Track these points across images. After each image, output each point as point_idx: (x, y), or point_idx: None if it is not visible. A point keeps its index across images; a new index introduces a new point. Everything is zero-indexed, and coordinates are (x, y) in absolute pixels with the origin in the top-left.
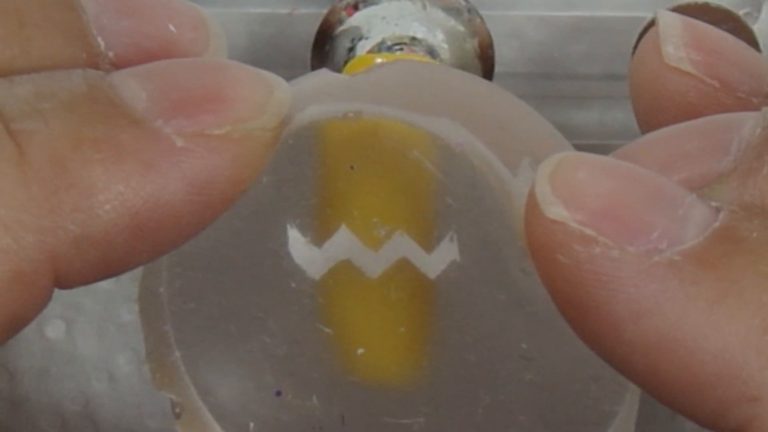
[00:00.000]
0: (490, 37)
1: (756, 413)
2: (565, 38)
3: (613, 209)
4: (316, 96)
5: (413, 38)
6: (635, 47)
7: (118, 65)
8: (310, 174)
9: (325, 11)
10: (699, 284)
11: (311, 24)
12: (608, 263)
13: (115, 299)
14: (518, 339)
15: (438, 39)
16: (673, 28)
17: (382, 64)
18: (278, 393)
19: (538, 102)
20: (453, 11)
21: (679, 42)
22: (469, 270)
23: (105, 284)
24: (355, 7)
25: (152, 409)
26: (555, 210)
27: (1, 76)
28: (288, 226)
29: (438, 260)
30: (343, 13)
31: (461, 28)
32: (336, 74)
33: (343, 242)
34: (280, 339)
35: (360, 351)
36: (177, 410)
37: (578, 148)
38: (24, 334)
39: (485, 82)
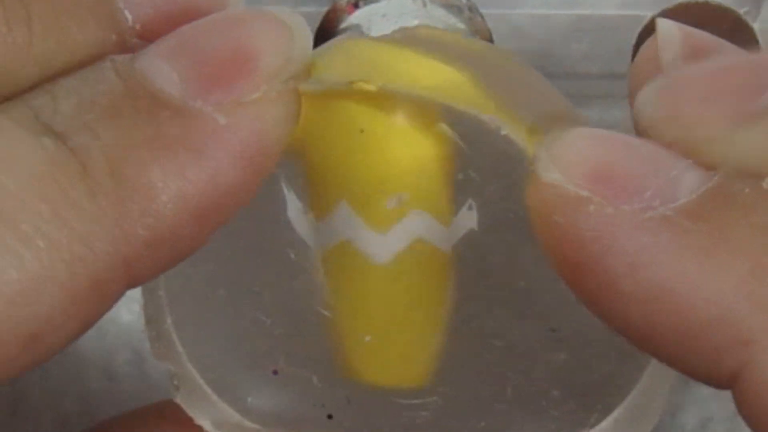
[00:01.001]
0: (490, 35)
1: (748, 357)
2: (565, 37)
3: (606, 173)
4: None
5: None
6: (635, 46)
7: (143, 36)
8: (313, 133)
9: (324, 10)
10: (691, 236)
11: (312, 23)
12: (603, 219)
13: None
14: (545, 319)
15: None
16: (671, 37)
17: (406, 29)
18: (275, 372)
19: None
20: (453, 9)
21: (677, 52)
22: (491, 248)
23: None
24: (356, 5)
25: None
26: (551, 174)
27: (42, 69)
28: (285, 190)
29: (455, 231)
30: (344, 11)
31: (462, 26)
32: (360, 37)
33: (345, 221)
34: (277, 316)
35: (367, 338)
36: (175, 382)
37: None
38: None
39: (507, 51)
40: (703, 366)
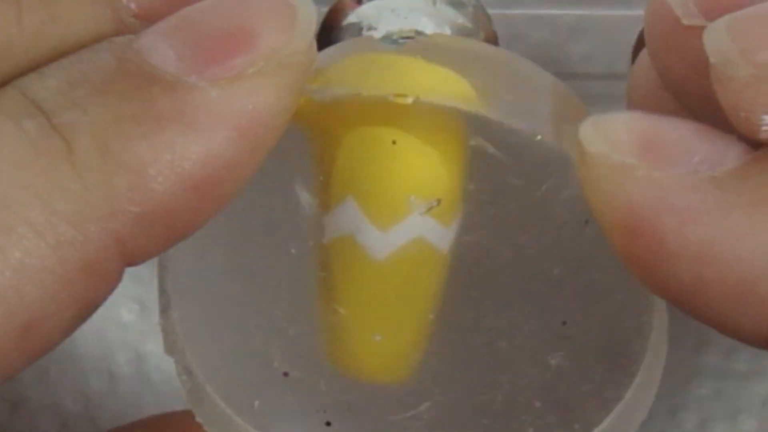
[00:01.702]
0: (495, 35)
1: None
2: (564, 37)
3: (653, 141)
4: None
5: (418, 32)
6: (635, 46)
7: (139, 16)
8: (330, 132)
9: (325, 9)
10: (738, 193)
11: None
12: (651, 182)
13: (115, 299)
14: (558, 313)
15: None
16: None
17: (424, 37)
18: (285, 374)
19: None
20: (460, 6)
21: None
22: (510, 248)
23: None
24: (359, 1)
25: (152, 409)
26: (597, 146)
27: (35, 44)
28: (294, 181)
29: (453, 233)
30: (349, 6)
31: (469, 25)
32: (378, 47)
33: (350, 217)
34: (290, 314)
35: (377, 338)
36: (184, 378)
37: None
38: None
39: (523, 59)
40: (749, 322)
